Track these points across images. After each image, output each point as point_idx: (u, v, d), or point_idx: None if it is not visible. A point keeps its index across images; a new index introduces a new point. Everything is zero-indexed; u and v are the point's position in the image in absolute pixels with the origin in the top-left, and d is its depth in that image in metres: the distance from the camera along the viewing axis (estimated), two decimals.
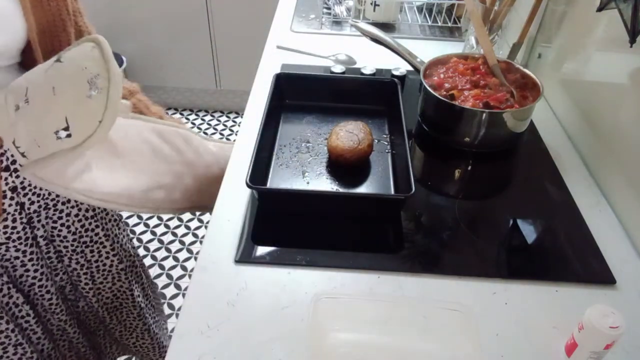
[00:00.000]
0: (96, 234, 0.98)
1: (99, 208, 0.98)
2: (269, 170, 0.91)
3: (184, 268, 1.90)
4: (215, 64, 2.52)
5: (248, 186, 0.78)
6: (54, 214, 0.90)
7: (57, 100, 0.68)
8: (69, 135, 0.68)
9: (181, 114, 2.71)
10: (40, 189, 0.86)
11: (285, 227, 0.81)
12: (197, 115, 2.71)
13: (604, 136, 0.93)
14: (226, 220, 0.81)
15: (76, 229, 0.94)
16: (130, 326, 1.18)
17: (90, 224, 0.96)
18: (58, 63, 0.71)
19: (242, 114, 1.08)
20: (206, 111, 2.74)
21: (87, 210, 0.95)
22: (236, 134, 1.03)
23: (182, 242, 2.00)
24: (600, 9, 0.86)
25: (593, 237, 0.81)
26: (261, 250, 0.77)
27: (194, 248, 1.98)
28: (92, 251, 0.99)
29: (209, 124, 2.64)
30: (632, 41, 0.78)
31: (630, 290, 0.73)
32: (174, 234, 2.02)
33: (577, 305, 0.70)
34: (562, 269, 0.76)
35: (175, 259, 1.94)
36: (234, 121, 2.68)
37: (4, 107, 0.71)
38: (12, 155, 0.79)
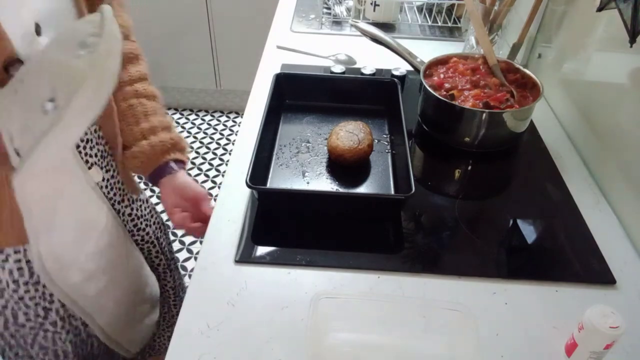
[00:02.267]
0: (147, 233, 1.00)
1: (147, 211, 1.01)
2: (269, 170, 0.91)
3: (184, 268, 1.90)
4: (215, 64, 2.52)
5: (248, 186, 0.78)
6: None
7: (47, 69, 0.60)
8: (55, 106, 0.58)
9: (181, 114, 2.71)
10: (114, 186, 0.87)
11: (285, 227, 0.81)
12: (197, 115, 2.71)
13: (604, 136, 0.93)
14: (226, 220, 0.81)
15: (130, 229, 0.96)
16: (169, 326, 1.20)
17: (141, 223, 0.98)
18: (56, 34, 0.65)
19: (242, 114, 1.08)
20: (206, 111, 2.74)
21: (138, 210, 0.97)
22: (236, 134, 1.02)
23: (182, 242, 2.00)
24: (600, 9, 0.86)
25: (593, 237, 0.81)
26: (261, 250, 0.77)
27: (194, 248, 1.98)
28: (142, 249, 1.01)
29: (209, 124, 2.64)
30: (632, 41, 0.78)
31: (630, 290, 0.73)
32: (174, 234, 2.02)
33: (577, 305, 0.70)
34: (562, 269, 0.76)
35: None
36: (234, 121, 2.68)
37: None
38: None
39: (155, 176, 0.87)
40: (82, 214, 0.79)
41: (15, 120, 0.61)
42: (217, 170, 2.34)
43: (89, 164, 0.79)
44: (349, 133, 0.91)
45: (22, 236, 0.72)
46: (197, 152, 2.44)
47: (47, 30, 0.66)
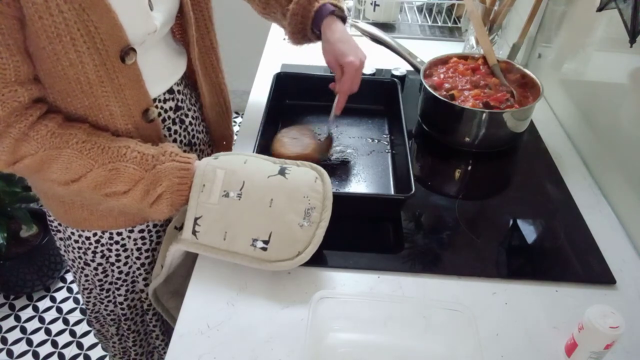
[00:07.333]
0: None
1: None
2: None
3: None
4: None
5: None
6: None
7: (271, 213, 0.69)
8: (264, 249, 0.68)
9: None
10: None
11: None
12: None
13: (604, 136, 0.93)
14: None
15: None
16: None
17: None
18: (282, 177, 0.71)
19: (242, 114, 1.08)
20: None
21: None
22: (236, 134, 1.02)
23: None
24: (600, 9, 0.86)
25: (593, 237, 0.81)
26: None
27: None
28: None
29: None
30: (632, 41, 0.78)
31: (630, 290, 0.73)
32: None
33: (577, 305, 0.70)
34: (562, 269, 0.76)
35: None
36: (234, 121, 2.68)
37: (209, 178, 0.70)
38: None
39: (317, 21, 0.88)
40: None
41: (213, 215, 0.69)
42: None
43: None
44: (293, 139, 0.89)
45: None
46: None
47: (158, 3, 0.72)
